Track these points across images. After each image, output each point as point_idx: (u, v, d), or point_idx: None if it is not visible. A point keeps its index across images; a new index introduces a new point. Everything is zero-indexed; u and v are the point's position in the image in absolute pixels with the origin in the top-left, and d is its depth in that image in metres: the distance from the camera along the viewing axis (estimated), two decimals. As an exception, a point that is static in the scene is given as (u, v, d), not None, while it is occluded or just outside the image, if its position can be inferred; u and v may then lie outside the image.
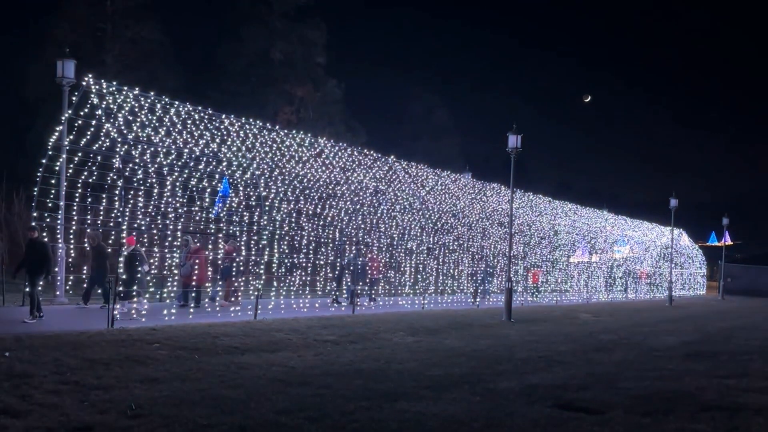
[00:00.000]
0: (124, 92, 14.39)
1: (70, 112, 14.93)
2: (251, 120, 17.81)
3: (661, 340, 16.32)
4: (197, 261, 16.04)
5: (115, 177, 15.20)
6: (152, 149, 14.92)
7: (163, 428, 6.29)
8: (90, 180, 15.36)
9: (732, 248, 52.61)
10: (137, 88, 14.94)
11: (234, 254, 17.05)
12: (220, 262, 16.90)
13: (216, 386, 8.08)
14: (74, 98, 14.78)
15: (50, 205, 14.98)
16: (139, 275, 14.25)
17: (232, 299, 16.95)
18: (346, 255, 20.42)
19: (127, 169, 14.67)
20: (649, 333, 17.90)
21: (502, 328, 17.07)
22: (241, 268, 17.33)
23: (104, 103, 13.94)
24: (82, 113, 14.57)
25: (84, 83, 13.99)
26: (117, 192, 15.51)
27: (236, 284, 17.01)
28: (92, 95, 13.89)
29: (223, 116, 16.80)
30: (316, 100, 41.94)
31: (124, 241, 14.06)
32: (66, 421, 6.31)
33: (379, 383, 8.81)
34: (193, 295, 16.08)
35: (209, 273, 16.89)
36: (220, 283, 17.42)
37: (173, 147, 15.27)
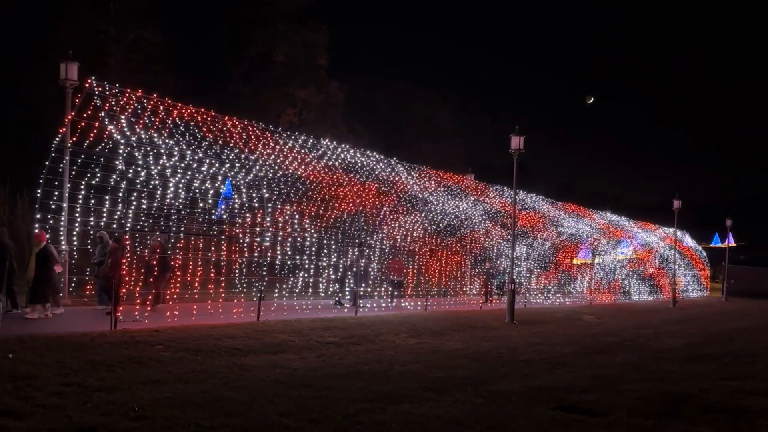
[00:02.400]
0: (127, 94, 14.42)
1: (73, 114, 14.96)
2: (254, 122, 17.82)
3: (664, 341, 16.29)
4: (118, 260, 13.89)
5: (118, 179, 15.22)
6: (155, 151, 14.95)
7: (165, 430, 6.29)
8: (93, 182, 15.38)
9: (735, 250, 52.42)
10: (140, 90, 14.96)
11: (161, 252, 15.29)
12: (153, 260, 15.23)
13: (218, 388, 8.08)
14: (77, 100, 14.81)
15: (53, 206, 15.01)
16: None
17: (156, 304, 15.19)
18: (348, 256, 20.42)
19: (130, 170, 14.68)
20: (653, 335, 17.87)
21: (505, 330, 17.05)
22: (173, 266, 15.45)
23: (107, 105, 13.97)
24: (85, 115, 14.60)
25: (87, 85, 14.02)
26: (120, 194, 15.52)
27: (164, 286, 15.27)
28: (95, 97, 13.92)
29: (226, 118, 16.81)
30: (319, 103, 41.96)
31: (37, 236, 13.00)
32: (69, 423, 6.31)
33: (382, 385, 8.80)
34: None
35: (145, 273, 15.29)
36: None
37: (176, 149, 15.29)
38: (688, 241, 48.72)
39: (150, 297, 15.34)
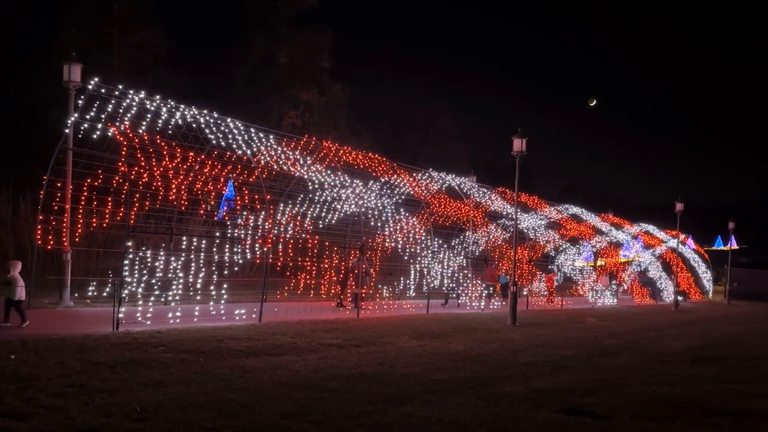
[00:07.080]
0: (130, 96, 14.44)
1: (76, 115, 14.98)
2: (256, 124, 17.83)
3: (666, 344, 16.24)
4: None
5: (120, 180, 15.23)
6: (158, 153, 14.96)
7: (167, 431, 6.29)
8: (96, 183, 15.40)
9: (738, 252, 52.32)
10: (143, 92, 14.99)
11: None
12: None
13: (221, 390, 8.08)
14: (80, 102, 14.83)
15: (56, 208, 15.03)
16: None
17: None
18: (350, 258, 20.42)
19: (133, 172, 14.71)
20: (655, 338, 17.83)
21: (507, 332, 17.02)
22: None
23: (110, 106, 13.99)
24: (88, 117, 14.63)
25: (90, 87, 14.04)
26: (122, 195, 15.55)
27: None
28: (98, 99, 13.95)
29: (229, 120, 16.83)
30: (321, 105, 42.05)
31: None
32: (71, 424, 6.31)
33: (384, 387, 8.79)
34: None
35: None
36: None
37: (178, 150, 15.30)
38: (691, 244, 48.35)
39: None
